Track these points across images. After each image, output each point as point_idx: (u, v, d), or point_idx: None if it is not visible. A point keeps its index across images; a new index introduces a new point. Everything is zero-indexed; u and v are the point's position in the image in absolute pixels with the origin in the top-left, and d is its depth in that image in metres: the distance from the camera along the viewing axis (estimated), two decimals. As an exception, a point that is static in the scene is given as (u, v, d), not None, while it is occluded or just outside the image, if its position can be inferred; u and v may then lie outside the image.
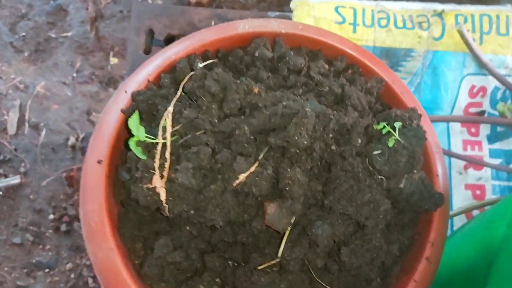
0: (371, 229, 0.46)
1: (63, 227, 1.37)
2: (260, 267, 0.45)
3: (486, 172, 0.82)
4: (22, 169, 1.44)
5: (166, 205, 0.42)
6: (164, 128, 0.43)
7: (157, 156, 0.42)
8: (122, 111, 0.48)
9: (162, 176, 0.42)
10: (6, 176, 1.42)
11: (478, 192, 0.83)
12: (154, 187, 0.41)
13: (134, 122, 0.43)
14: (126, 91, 0.49)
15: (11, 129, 1.49)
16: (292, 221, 0.46)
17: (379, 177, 0.46)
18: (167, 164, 0.42)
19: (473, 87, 0.85)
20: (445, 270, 0.60)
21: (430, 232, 0.50)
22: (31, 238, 1.37)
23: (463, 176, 0.83)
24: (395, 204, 0.48)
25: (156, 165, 0.42)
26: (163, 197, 0.42)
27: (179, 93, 0.47)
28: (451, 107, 0.84)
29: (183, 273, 0.46)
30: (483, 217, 0.68)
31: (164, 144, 0.43)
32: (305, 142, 0.42)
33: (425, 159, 0.50)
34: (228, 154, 0.43)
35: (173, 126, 0.43)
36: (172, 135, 0.43)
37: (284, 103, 0.44)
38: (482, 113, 0.85)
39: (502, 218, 0.54)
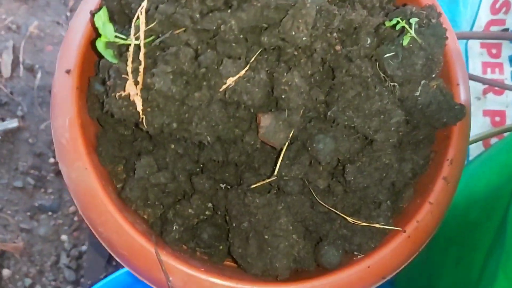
0: (380, 145, 0.40)
1: (65, 171, 1.34)
2: (253, 186, 0.39)
3: (508, 97, 0.75)
4: (19, 113, 1.39)
5: (144, 117, 0.36)
6: (138, 27, 0.36)
7: (130, 59, 0.35)
8: (91, 12, 0.41)
9: (136, 83, 0.35)
10: (3, 119, 1.38)
11: (497, 118, 0.76)
12: (128, 95, 0.35)
13: (100, 19, 0.36)
14: (95, -7, 0.42)
15: (6, 71, 1.43)
16: (290, 135, 0.39)
17: (391, 83, 0.39)
18: (141, 68, 0.35)
19: (495, 2, 0.76)
20: (462, 198, 0.56)
21: (448, 149, 0.43)
22: (33, 182, 1.35)
23: (482, 101, 0.76)
24: (409, 117, 0.42)
25: (129, 68, 0.35)
26: (139, 107, 0.36)
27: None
28: (471, 25, 0.76)
29: (170, 196, 0.41)
30: (504, 142, 0.62)
31: (138, 46, 0.36)
32: (304, 39, 0.35)
33: (444, 66, 0.44)
34: (213, 55, 0.36)
35: (147, 24, 0.36)
36: (147, 35, 0.37)
37: (279, -7, 0.37)
38: (505, 31, 0.77)
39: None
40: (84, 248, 1.27)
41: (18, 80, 1.42)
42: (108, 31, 0.36)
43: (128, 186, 0.40)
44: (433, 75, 0.40)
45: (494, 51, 0.76)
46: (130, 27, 0.38)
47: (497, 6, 0.77)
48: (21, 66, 1.42)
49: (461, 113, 0.43)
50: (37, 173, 1.35)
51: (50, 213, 1.32)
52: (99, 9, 0.41)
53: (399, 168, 0.42)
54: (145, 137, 0.42)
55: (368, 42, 0.39)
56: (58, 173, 1.31)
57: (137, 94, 0.35)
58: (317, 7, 0.37)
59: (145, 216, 0.42)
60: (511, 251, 0.45)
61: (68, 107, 0.39)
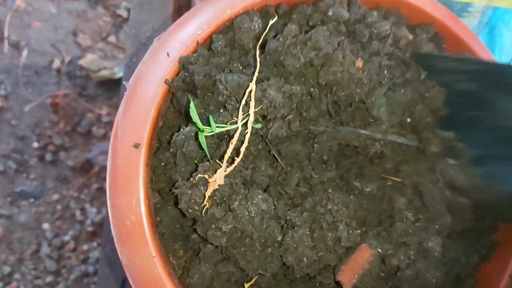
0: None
1: (48, 157, 1.28)
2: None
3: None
4: (2, 92, 1.31)
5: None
6: (242, 115, 0.32)
7: (226, 158, 0.32)
8: (167, 82, 0.37)
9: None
10: (-16, 97, 1.29)
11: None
12: (209, 202, 0.33)
13: (194, 112, 0.33)
14: (168, 54, 0.38)
15: (-13, 45, 1.34)
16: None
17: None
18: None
19: (526, 50, 0.77)
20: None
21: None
22: (14, 166, 1.28)
23: None
24: (476, 209, 0.41)
25: (220, 173, 0.32)
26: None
27: (258, 64, 0.36)
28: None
29: (236, 285, 0.39)
30: None
31: (241, 141, 0.32)
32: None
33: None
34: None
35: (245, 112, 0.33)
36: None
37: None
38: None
39: None
40: (66, 238, 1.24)
41: (2, 56, 1.32)
42: (212, 126, 0.32)
43: (192, 272, 0.38)
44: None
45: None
46: (216, 106, 0.35)
47: (528, 54, 0.77)
48: (6, 41, 1.32)
49: None
50: (19, 157, 1.29)
51: (31, 199, 1.27)
52: (178, 79, 0.37)
53: (466, 260, 0.42)
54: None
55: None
56: (41, 158, 1.25)
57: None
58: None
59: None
60: None
61: (136, 186, 0.35)
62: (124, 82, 0.64)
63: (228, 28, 0.40)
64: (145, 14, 0.64)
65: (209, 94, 0.37)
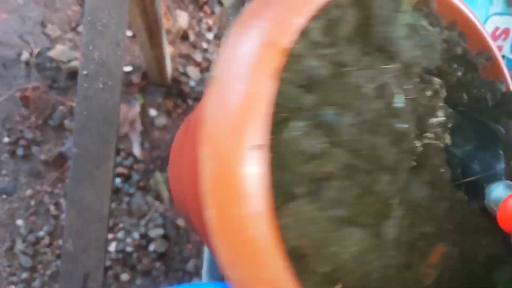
0: None
1: (20, 152, 1.25)
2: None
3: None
4: (-33, 85, 1.27)
5: None
6: None
7: None
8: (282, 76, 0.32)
9: None
10: None
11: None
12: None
13: None
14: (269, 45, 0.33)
15: (-50, 36, 1.29)
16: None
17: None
18: None
19: (496, 29, 0.76)
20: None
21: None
22: (-16, 162, 1.25)
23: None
24: None
25: None
26: None
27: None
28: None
29: None
30: None
31: None
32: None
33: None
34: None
35: None
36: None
37: None
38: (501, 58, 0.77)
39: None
40: (41, 233, 1.21)
41: (-35, 48, 1.28)
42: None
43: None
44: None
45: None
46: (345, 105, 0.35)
47: (498, 33, 0.76)
48: (-32, 32, 1.28)
49: None
50: (-11, 153, 1.25)
51: (4, 196, 1.24)
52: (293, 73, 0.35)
53: None
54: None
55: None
56: (12, 154, 1.22)
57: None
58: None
59: None
60: None
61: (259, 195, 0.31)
62: (84, 73, 0.62)
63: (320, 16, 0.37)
64: (101, 0, 0.62)
65: (331, 88, 0.35)
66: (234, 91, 0.31)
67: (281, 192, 0.33)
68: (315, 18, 0.35)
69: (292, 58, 0.33)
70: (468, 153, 0.43)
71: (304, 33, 0.34)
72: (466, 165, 0.42)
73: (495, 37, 0.75)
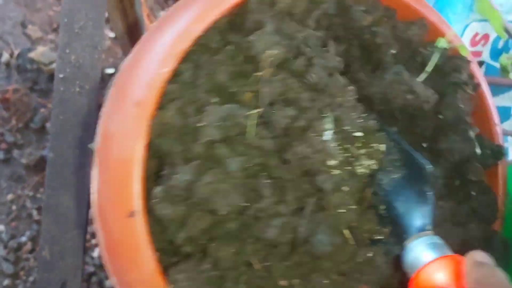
0: None
1: (0, 155, 1.23)
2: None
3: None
4: None
5: None
6: None
7: None
8: None
9: None
10: None
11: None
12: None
13: None
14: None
15: None
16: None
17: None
18: None
19: (476, 35, 0.76)
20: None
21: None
22: (-36, 167, 1.23)
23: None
24: None
25: None
26: None
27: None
28: (452, 56, 0.75)
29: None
30: None
31: None
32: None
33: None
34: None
35: None
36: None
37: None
38: (480, 64, 0.77)
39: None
40: (23, 239, 1.19)
41: None
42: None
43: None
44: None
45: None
46: None
47: (477, 39, 0.76)
48: None
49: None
50: (-31, 157, 1.23)
51: (-16, 201, 1.22)
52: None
53: None
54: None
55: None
56: (-7, 158, 1.20)
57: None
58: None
59: None
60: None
61: (144, 260, 0.32)
62: (60, 76, 0.61)
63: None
64: (78, 0, 0.61)
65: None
66: (113, 158, 0.33)
67: (171, 253, 0.35)
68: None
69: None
70: (395, 185, 0.39)
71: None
72: (391, 202, 0.39)
73: (474, 43, 0.75)
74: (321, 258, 0.36)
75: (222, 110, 0.34)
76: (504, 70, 0.73)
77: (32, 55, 1.26)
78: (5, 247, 1.21)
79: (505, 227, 0.47)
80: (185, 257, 0.35)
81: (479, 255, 0.35)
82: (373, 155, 0.38)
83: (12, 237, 1.22)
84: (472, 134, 0.43)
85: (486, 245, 0.42)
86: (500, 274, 0.33)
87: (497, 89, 0.76)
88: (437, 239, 0.37)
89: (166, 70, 0.34)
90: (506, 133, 0.73)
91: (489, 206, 0.44)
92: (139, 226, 0.32)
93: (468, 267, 0.34)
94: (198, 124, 0.34)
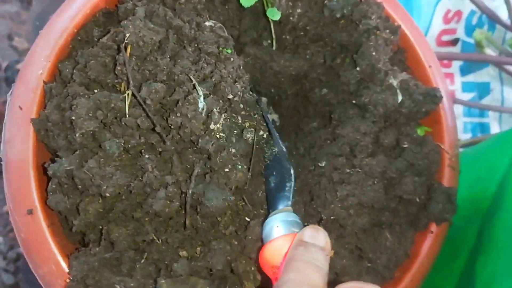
0: None
1: (-5, 168, 1.24)
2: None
3: (458, 109, 0.76)
4: None
5: None
6: None
7: None
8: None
9: None
10: None
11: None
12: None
13: None
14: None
15: None
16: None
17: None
18: None
19: (448, 11, 0.76)
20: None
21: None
22: (-42, 182, 1.24)
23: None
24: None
25: None
26: None
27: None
28: (424, 34, 0.75)
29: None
30: (482, 148, 0.61)
31: None
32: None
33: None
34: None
35: None
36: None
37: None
38: (455, 41, 0.77)
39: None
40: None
41: None
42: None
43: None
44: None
45: (445, 61, 0.76)
46: None
47: (450, 16, 0.77)
48: None
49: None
50: (-36, 170, 1.24)
51: (-19, 213, 1.23)
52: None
53: None
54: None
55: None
56: (-12, 170, 1.21)
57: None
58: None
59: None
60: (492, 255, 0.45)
61: (49, 250, 0.36)
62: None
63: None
64: (48, 3, 0.62)
65: None
66: (11, 161, 0.38)
67: (78, 243, 0.39)
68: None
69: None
70: (272, 159, 0.41)
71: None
72: (267, 176, 0.41)
73: (447, 20, 0.75)
74: (220, 223, 0.37)
75: (92, 101, 0.36)
76: (478, 45, 0.73)
77: (20, 66, 1.28)
78: (4, 258, 1.21)
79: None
80: (87, 244, 0.37)
81: (305, 234, 0.37)
82: (256, 124, 0.40)
83: (11, 248, 1.23)
84: (393, 81, 0.41)
85: (427, 199, 0.43)
86: (311, 255, 0.35)
87: (475, 65, 0.76)
88: (292, 217, 0.39)
89: (41, 72, 0.38)
90: (488, 108, 0.73)
91: (426, 158, 0.43)
92: (40, 222, 0.36)
93: (292, 245, 0.36)
94: (72, 118, 0.35)
